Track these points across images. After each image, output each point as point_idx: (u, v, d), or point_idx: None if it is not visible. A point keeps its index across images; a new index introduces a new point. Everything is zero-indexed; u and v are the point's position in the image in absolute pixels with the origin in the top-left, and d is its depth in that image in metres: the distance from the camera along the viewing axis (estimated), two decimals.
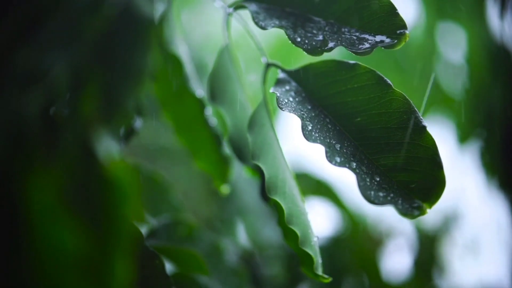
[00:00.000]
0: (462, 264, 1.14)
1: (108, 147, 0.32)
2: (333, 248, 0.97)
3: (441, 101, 1.19)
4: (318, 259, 0.46)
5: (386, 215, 1.12)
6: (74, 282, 0.29)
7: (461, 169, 1.18)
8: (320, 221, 1.00)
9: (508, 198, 1.12)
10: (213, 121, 0.60)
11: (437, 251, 1.10)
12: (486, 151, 1.16)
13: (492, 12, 1.11)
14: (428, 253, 1.09)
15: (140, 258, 0.50)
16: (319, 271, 0.46)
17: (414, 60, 1.18)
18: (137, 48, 0.35)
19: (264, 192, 0.47)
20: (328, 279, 0.47)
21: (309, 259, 0.46)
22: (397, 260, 1.07)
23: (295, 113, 0.47)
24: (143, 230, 0.59)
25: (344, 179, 1.06)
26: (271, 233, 0.87)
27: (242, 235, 0.93)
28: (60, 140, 0.32)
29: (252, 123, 0.49)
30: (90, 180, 0.31)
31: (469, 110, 1.17)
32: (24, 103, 0.31)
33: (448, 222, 1.13)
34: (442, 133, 1.20)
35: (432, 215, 1.15)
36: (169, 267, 0.58)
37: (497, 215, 1.13)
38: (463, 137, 1.18)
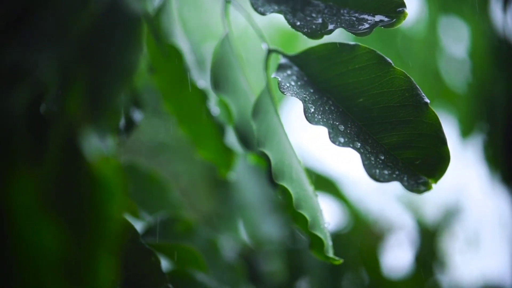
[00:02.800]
0: (463, 258, 1.14)
1: (95, 145, 0.31)
2: (334, 243, 0.97)
3: (443, 95, 1.19)
4: (328, 242, 0.46)
5: (387, 210, 1.12)
6: (55, 283, 0.29)
7: (464, 163, 1.18)
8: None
9: (511, 192, 1.11)
10: (215, 110, 0.60)
11: (438, 245, 1.10)
12: (488, 145, 1.16)
13: (495, 6, 1.11)
14: (429, 248, 1.09)
15: (135, 256, 0.50)
16: (330, 253, 0.46)
17: (417, 55, 1.18)
18: (125, 45, 0.34)
19: (271, 180, 0.47)
20: (339, 260, 0.47)
21: (319, 242, 0.46)
22: (398, 254, 1.07)
23: (297, 97, 0.47)
24: (140, 227, 0.59)
25: (346, 174, 1.06)
26: (270, 229, 0.87)
27: (241, 231, 0.93)
28: (45, 138, 0.32)
29: (256, 110, 0.48)
30: (75, 179, 0.31)
31: (472, 104, 1.17)
32: (9, 101, 0.31)
33: (450, 216, 1.13)
34: (444, 127, 1.20)
35: (434, 209, 1.15)
36: (166, 264, 0.58)
37: (499, 209, 1.13)
38: (465, 131, 1.18)
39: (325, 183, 1.00)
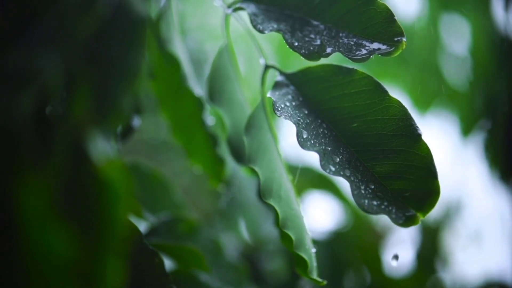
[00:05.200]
0: (465, 255, 1.14)
1: (102, 148, 0.31)
2: (335, 242, 0.97)
3: (444, 93, 1.19)
4: (312, 263, 0.46)
5: None
6: (64, 286, 0.29)
7: (465, 160, 1.18)
8: (322, 215, 1.00)
9: (511, 189, 1.11)
10: (210, 120, 0.59)
11: (439, 243, 1.10)
12: (489, 143, 1.16)
13: (496, 4, 1.11)
14: (431, 245, 1.09)
15: (139, 257, 0.50)
16: (314, 275, 0.46)
17: (418, 52, 1.18)
18: (130, 47, 0.34)
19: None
20: (322, 282, 0.47)
21: (303, 262, 0.46)
22: (399, 252, 1.07)
23: (291, 120, 0.47)
24: (143, 227, 0.59)
25: None
26: (272, 228, 0.87)
27: (243, 230, 0.93)
28: (52, 142, 0.32)
29: (249, 125, 0.48)
30: (83, 182, 0.31)
31: (473, 102, 1.17)
32: (16, 104, 0.31)
33: (451, 214, 1.13)
34: (445, 125, 1.20)
35: (435, 207, 1.15)
36: (169, 264, 0.58)
37: (500, 206, 1.13)
38: (466, 129, 1.18)
39: (325, 182, 1.00)
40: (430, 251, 1.08)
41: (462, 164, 1.17)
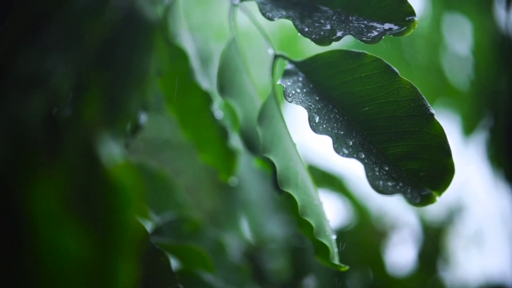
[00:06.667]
0: (466, 256, 1.14)
1: (111, 150, 0.32)
2: (338, 240, 0.97)
3: (446, 93, 1.19)
4: (333, 249, 0.46)
5: (390, 208, 1.12)
6: (76, 287, 0.29)
7: (467, 160, 1.18)
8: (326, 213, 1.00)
9: None
10: (219, 114, 0.59)
11: (441, 243, 1.10)
12: (491, 142, 1.16)
13: (498, 4, 1.11)
14: (433, 245, 1.09)
15: (146, 256, 0.50)
16: (336, 261, 0.46)
17: (421, 52, 1.18)
18: (140, 50, 0.34)
19: (276, 185, 0.47)
20: (345, 267, 0.47)
21: (325, 249, 0.46)
22: (401, 252, 1.08)
23: (302, 105, 0.46)
24: (148, 227, 0.59)
25: (351, 171, 1.06)
26: (274, 227, 0.87)
27: (245, 229, 0.93)
28: (62, 144, 0.32)
29: (262, 115, 0.48)
30: (93, 184, 0.31)
31: (475, 101, 1.17)
32: (26, 107, 0.31)
33: (453, 214, 1.13)
34: (447, 125, 1.20)
35: (437, 207, 1.15)
36: (174, 263, 0.58)
37: (502, 206, 1.13)
38: (468, 129, 1.18)
39: (330, 180, 1.00)
40: (432, 251, 1.08)
41: (464, 163, 1.17)
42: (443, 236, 1.11)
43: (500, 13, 1.11)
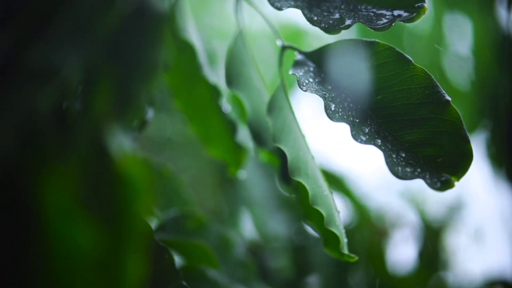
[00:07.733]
0: (467, 254, 1.14)
1: (121, 143, 0.32)
2: None
3: (447, 93, 1.19)
4: (343, 239, 0.46)
5: (390, 207, 1.12)
6: (88, 281, 0.29)
7: None
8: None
9: None
10: (227, 107, 0.59)
11: (442, 241, 1.10)
12: (492, 142, 1.16)
13: (499, 4, 1.11)
14: (434, 244, 1.09)
15: (150, 252, 0.50)
16: (345, 250, 0.46)
17: (422, 51, 1.18)
18: (150, 43, 0.34)
19: (284, 176, 0.47)
20: (354, 258, 0.47)
21: (334, 238, 0.46)
22: (402, 251, 1.08)
23: (317, 94, 0.46)
24: (153, 224, 0.59)
25: (352, 170, 1.06)
26: (278, 226, 0.87)
27: (248, 227, 0.93)
28: (73, 137, 0.32)
29: (271, 106, 0.48)
30: (103, 177, 0.31)
31: (475, 101, 1.17)
32: (37, 100, 0.31)
33: (453, 213, 1.14)
34: None
35: (437, 206, 1.15)
36: (178, 260, 0.58)
37: (502, 205, 1.13)
38: (469, 128, 1.18)
39: (331, 179, 1.00)
40: (433, 250, 1.09)
41: None
42: (444, 235, 1.11)
43: (501, 13, 1.11)
